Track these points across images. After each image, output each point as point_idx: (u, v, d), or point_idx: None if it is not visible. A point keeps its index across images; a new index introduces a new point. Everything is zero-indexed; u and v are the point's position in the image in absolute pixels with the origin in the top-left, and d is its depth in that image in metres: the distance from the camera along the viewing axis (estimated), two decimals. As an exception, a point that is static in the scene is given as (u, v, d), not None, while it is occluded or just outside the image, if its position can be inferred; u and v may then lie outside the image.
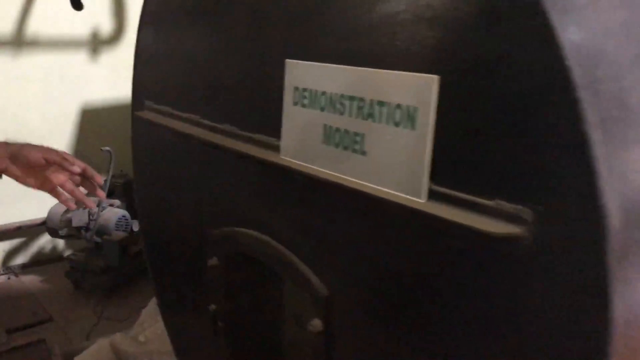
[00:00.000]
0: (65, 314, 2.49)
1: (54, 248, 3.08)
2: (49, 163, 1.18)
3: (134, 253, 2.69)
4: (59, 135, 2.91)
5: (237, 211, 1.18)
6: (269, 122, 1.07)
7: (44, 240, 3.02)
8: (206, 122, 1.24)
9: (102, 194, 1.27)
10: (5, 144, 1.20)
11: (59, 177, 1.20)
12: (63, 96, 2.92)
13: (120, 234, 2.66)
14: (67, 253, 2.92)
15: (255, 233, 1.11)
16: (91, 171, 1.22)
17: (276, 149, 1.05)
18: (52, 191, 1.21)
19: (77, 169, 1.19)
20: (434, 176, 0.78)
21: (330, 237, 0.96)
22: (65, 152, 1.23)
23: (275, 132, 1.05)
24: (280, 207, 1.06)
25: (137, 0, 2.96)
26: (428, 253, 0.81)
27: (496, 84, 0.70)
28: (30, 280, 2.82)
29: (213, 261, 1.25)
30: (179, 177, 1.37)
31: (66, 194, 1.21)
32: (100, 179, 1.24)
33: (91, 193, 1.27)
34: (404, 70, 0.80)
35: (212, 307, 1.28)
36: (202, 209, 1.30)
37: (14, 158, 1.16)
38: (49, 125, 2.85)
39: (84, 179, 1.23)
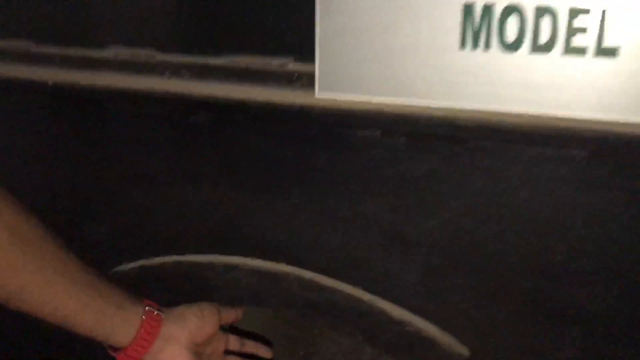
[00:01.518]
0: None
1: None
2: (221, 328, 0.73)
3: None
4: None
5: (206, 225, 0.61)
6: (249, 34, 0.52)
7: None
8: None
9: None
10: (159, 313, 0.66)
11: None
12: None
13: None
14: None
15: (267, 265, 0.54)
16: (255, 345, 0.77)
17: (288, 80, 0.50)
18: None
19: (250, 349, 0.77)
20: None
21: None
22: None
23: (264, 48, 0.51)
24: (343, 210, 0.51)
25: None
26: None
27: None
28: None
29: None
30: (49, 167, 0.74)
31: None
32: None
33: None
34: None
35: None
36: (107, 228, 0.69)
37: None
38: None
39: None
